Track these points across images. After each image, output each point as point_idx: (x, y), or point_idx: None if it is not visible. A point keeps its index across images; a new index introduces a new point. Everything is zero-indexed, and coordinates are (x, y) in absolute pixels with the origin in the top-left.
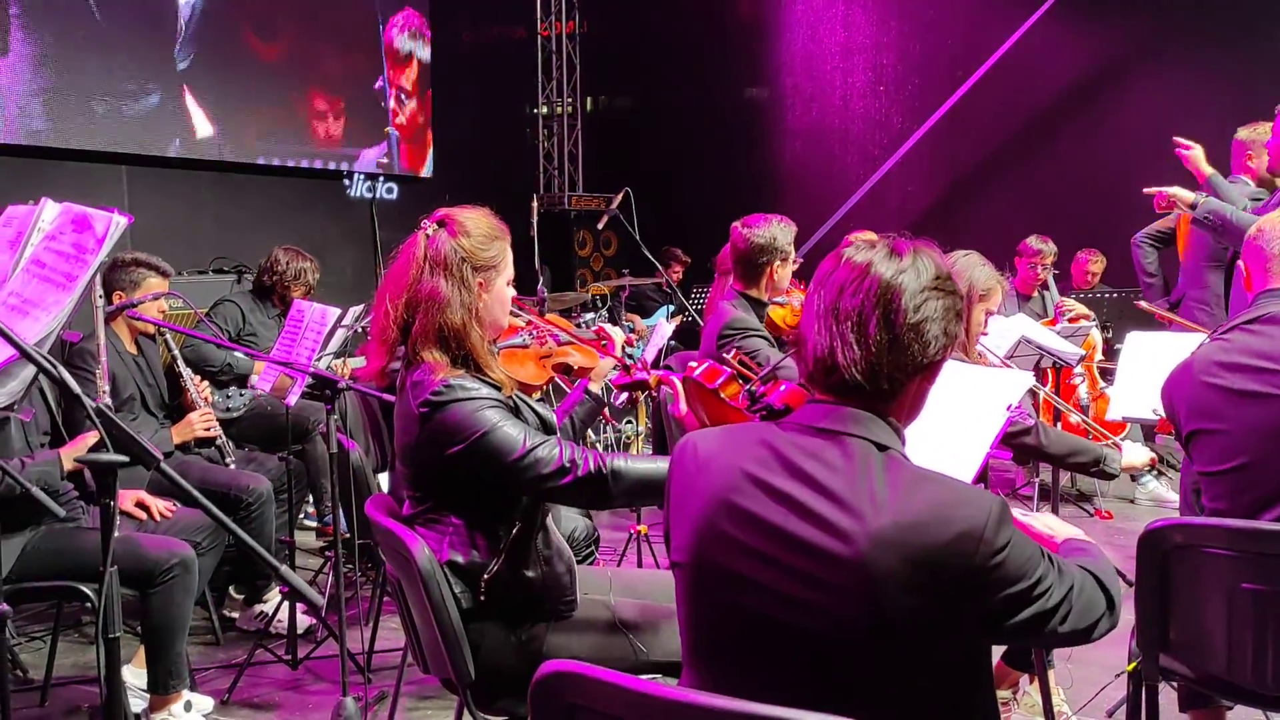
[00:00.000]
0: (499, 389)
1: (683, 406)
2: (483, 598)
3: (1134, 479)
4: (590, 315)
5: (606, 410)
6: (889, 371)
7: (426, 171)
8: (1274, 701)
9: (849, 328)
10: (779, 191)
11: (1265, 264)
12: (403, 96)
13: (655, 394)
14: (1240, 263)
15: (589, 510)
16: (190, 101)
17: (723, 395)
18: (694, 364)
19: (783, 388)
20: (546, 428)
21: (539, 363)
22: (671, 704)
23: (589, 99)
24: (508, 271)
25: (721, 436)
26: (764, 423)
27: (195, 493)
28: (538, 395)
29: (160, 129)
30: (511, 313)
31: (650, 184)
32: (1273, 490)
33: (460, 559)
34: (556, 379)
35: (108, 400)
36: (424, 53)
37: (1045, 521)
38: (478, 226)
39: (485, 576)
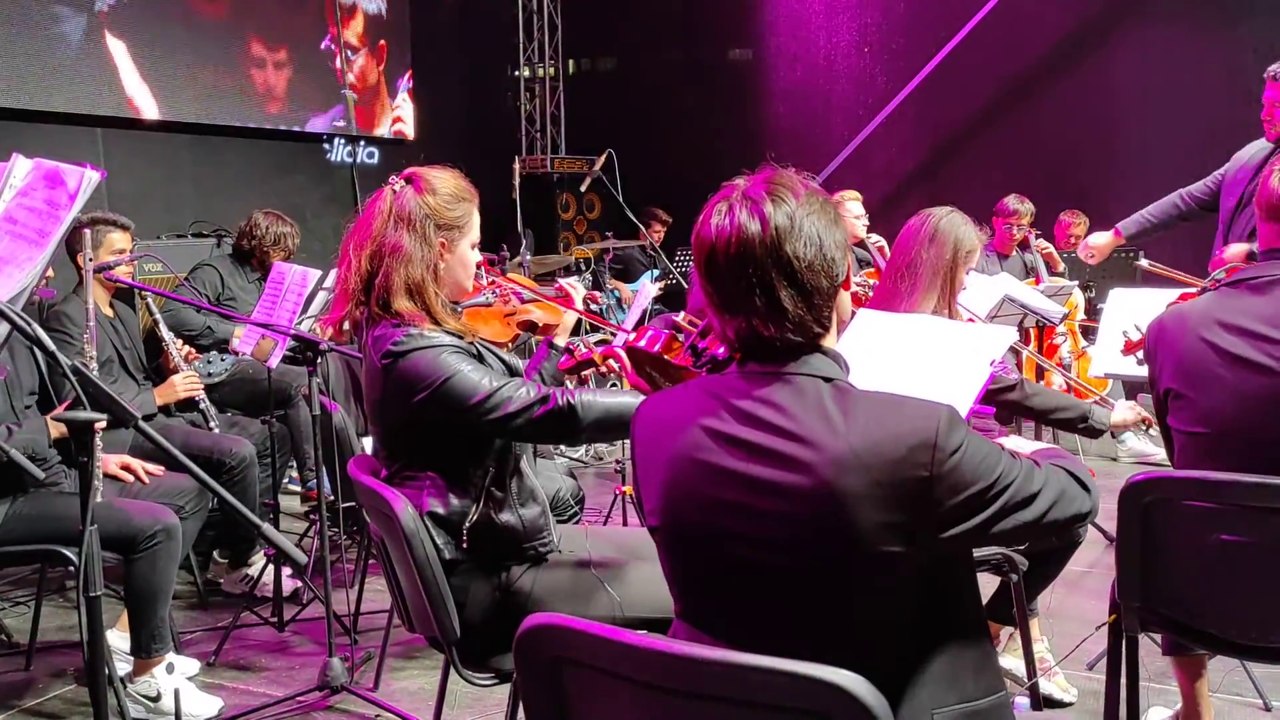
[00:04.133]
0: (461, 337)
1: (630, 373)
2: (465, 545)
3: (1115, 436)
4: (572, 279)
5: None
6: (814, 315)
7: (384, 130)
8: (1250, 651)
9: (756, 301)
10: (763, 152)
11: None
12: (349, 54)
13: (601, 371)
14: (1256, 215)
15: (558, 444)
16: (124, 66)
17: (667, 357)
18: (633, 334)
19: None
20: (512, 372)
21: (503, 320)
22: (657, 654)
23: (571, 61)
24: (472, 234)
25: (673, 397)
26: (711, 375)
27: (176, 451)
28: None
29: (89, 92)
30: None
31: (634, 146)
32: (1250, 458)
33: (440, 510)
34: (523, 334)
35: (93, 362)
36: (371, 4)
37: (1009, 444)
38: (445, 186)
39: (466, 525)
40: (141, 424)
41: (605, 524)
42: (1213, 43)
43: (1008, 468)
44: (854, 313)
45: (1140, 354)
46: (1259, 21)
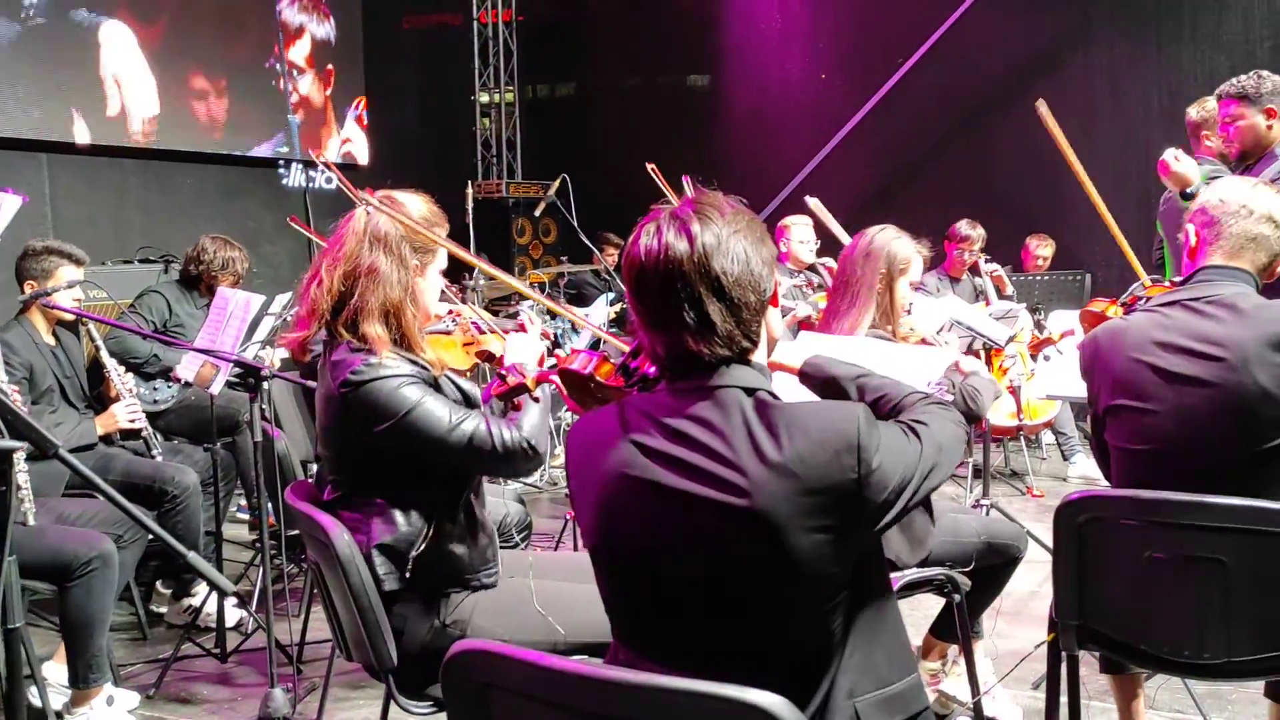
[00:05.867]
0: (427, 369)
1: (565, 396)
2: (408, 575)
3: (1065, 458)
4: (527, 304)
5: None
6: (743, 330)
7: (331, 155)
8: (1185, 668)
9: (686, 317)
10: (720, 178)
11: (1218, 238)
12: (295, 73)
13: (535, 396)
14: (1189, 225)
15: (518, 478)
16: (68, 91)
17: (599, 378)
18: (566, 357)
19: None
20: (468, 400)
21: (463, 349)
22: (581, 679)
23: (528, 87)
24: (442, 259)
25: (603, 416)
26: (639, 394)
27: (98, 480)
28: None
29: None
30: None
31: (591, 171)
32: (1189, 474)
33: (387, 538)
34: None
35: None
36: (320, 29)
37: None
38: (417, 209)
39: (413, 554)
40: (62, 453)
41: (556, 549)
42: (1156, 70)
43: (914, 449)
44: (797, 334)
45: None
46: (1199, 49)
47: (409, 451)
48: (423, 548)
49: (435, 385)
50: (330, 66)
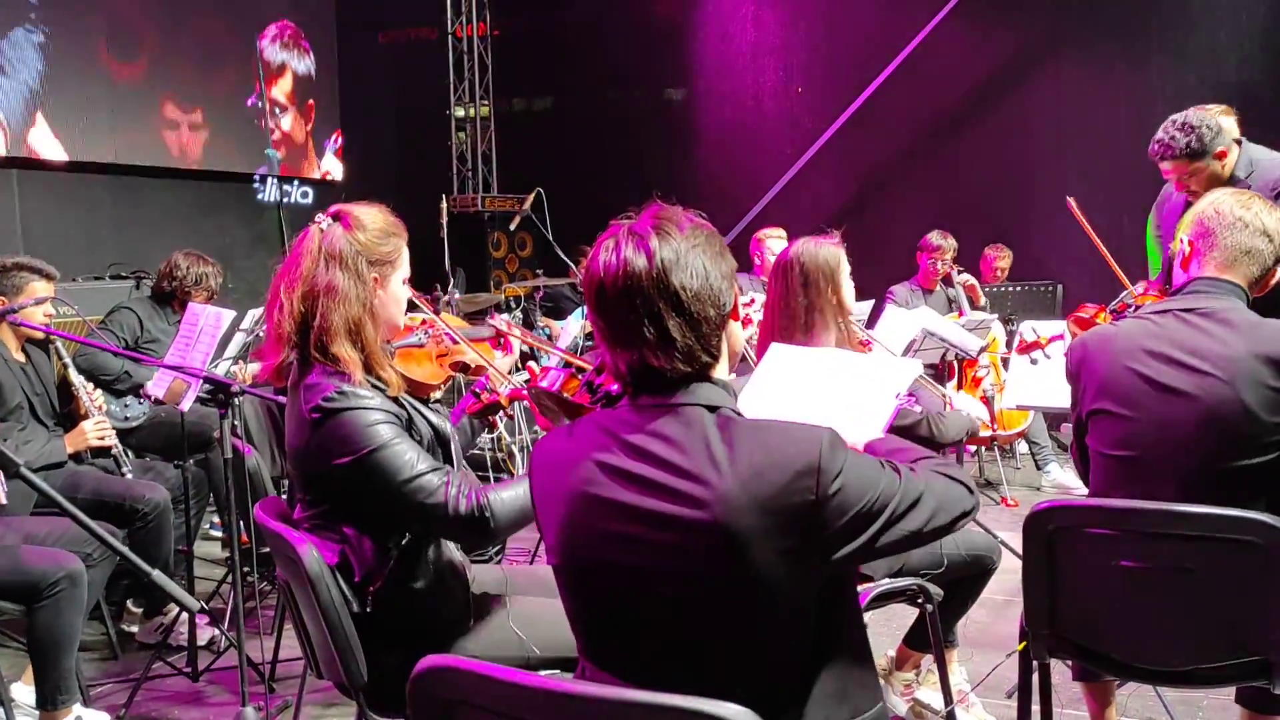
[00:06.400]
0: (386, 390)
1: (537, 413)
2: (369, 609)
3: (1039, 467)
4: (503, 316)
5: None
6: (703, 345)
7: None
8: (1156, 675)
9: (646, 332)
10: (694, 191)
11: (1212, 249)
12: (278, 110)
13: (509, 413)
14: (1183, 237)
15: (469, 549)
16: (42, 125)
17: (566, 394)
18: (539, 373)
19: None
20: (439, 437)
21: (437, 362)
22: (552, 695)
23: (505, 100)
24: (404, 269)
25: (567, 434)
26: (602, 410)
27: (60, 499)
28: (437, 395)
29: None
30: (407, 313)
31: (567, 185)
32: (1165, 484)
33: (351, 569)
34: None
35: None
36: (300, 65)
37: (889, 443)
38: (373, 222)
39: (371, 589)
40: (23, 471)
41: (531, 563)
42: (1123, 85)
43: (888, 482)
44: (768, 346)
45: (1063, 374)
46: (1165, 63)
47: (367, 489)
48: (380, 584)
49: (409, 423)
50: (311, 101)
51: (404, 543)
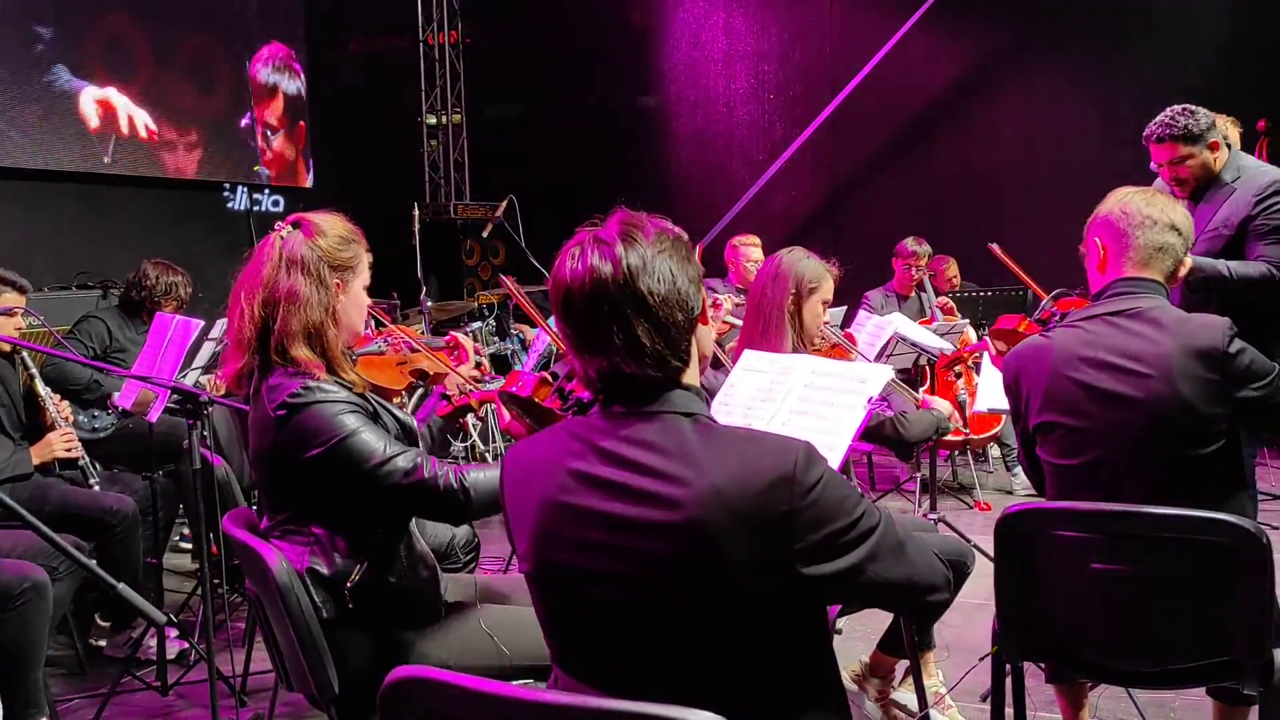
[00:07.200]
0: (350, 389)
1: (505, 418)
2: (350, 605)
3: (1009, 470)
4: (476, 324)
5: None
6: (672, 350)
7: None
8: (1127, 676)
9: (615, 339)
10: (668, 197)
11: (1126, 250)
12: (268, 133)
13: (480, 416)
14: (1095, 240)
15: (446, 523)
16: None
17: (537, 400)
18: (510, 379)
19: None
20: (406, 432)
21: (396, 369)
22: (524, 705)
23: (477, 108)
24: (364, 275)
25: (539, 440)
26: (575, 418)
27: (21, 510)
28: (397, 400)
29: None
30: (366, 321)
31: (540, 192)
32: (1124, 487)
33: (323, 568)
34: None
35: None
36: (291, 85)
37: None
38: (333, 228)
39: (349, 585)
40: None
41: (505, 572)
42: (1091, 93)
43: (868, 511)
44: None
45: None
46: (1132, 73)
47: (340, 479)
48: (358, 579)
49: (375, 416)
50: (302, 123)
51: (378, 537)
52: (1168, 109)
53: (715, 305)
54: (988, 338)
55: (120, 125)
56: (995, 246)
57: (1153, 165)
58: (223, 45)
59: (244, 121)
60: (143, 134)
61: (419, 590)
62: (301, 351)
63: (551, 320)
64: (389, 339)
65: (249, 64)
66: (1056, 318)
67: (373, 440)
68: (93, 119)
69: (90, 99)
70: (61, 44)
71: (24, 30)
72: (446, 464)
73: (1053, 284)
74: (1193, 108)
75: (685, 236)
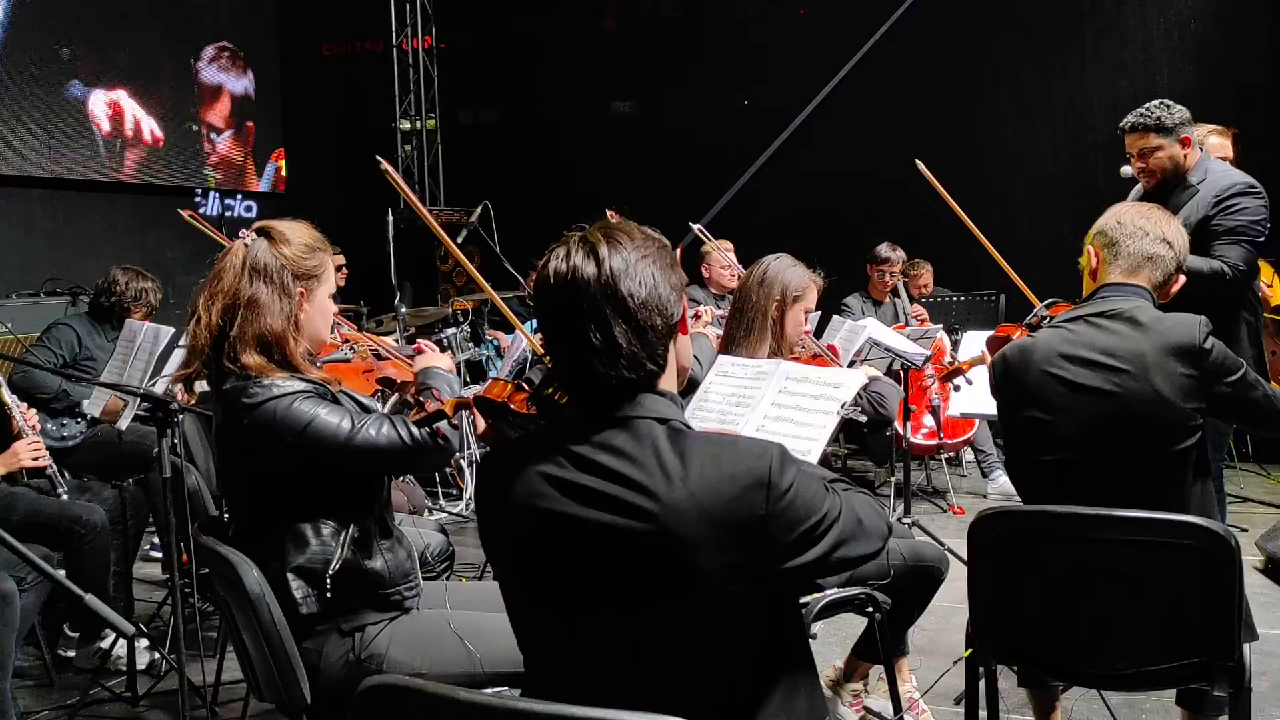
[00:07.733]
0: (322, 385)
1: (480, 425)
2: (329, 595)
3: (985, 475)
4: (451, 330)
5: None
6: (648, 353)
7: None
8: (1100, 678)
9: (592, 338)
10: (642, 203)
11: (1116, 257)
12: (213, 135)
13: (454, 423)
14: (1089, 248)
15: (433, 470)
16: None
17: (512, 406)
18: (487, 385)
19: None
20: (366, 409)
21: (363, 376)
22: (496, 713)
23: (452, 113)
24: (329, 283)
25: (513, 447)
26: (549, 422)
27: None
28: None
29: None
30: (333, 329)
31: (515, 198)
32: (1097, 484)
33: (303, 560)
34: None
35: None
36: (237, 85)
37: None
38: (298, 236)
39: (330, 573)
40: None
41: (480, 579)
42: (1061, 95)
43: (832, 499)
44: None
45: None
46: (1102, 75)
47: (317, 464)
48: (339, 565)
49: (333, 399)
50: (250, 123)
51: (349, 519)
52: (1148, 103)
53: (696, 316)
54: (985, 350)
55: (91, 129)
56: (920, 164)
57: (1126, 165)
58: (169, 38)
59: (187, 124)
60: (112, 137)
61: (397, 570)
62: (252, 358)
63: (529, 324)
64: (355, 346)
65: (193, 64)
66: (1047, 322)
67: (334, 419)
68: (62, 124)
69: (59, 103)
70: (29, 47)
71: None
72: (400, 420)
73: (1027, 287)
74: (1169, 103)
75: (668, 244)
